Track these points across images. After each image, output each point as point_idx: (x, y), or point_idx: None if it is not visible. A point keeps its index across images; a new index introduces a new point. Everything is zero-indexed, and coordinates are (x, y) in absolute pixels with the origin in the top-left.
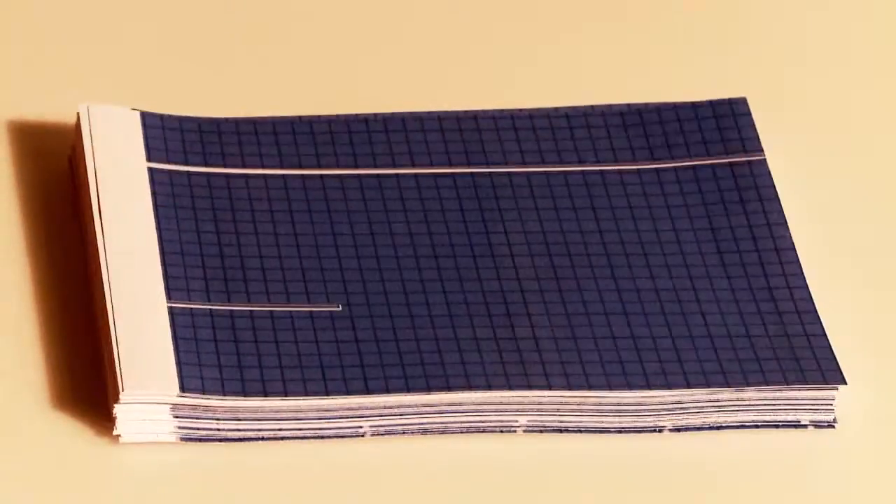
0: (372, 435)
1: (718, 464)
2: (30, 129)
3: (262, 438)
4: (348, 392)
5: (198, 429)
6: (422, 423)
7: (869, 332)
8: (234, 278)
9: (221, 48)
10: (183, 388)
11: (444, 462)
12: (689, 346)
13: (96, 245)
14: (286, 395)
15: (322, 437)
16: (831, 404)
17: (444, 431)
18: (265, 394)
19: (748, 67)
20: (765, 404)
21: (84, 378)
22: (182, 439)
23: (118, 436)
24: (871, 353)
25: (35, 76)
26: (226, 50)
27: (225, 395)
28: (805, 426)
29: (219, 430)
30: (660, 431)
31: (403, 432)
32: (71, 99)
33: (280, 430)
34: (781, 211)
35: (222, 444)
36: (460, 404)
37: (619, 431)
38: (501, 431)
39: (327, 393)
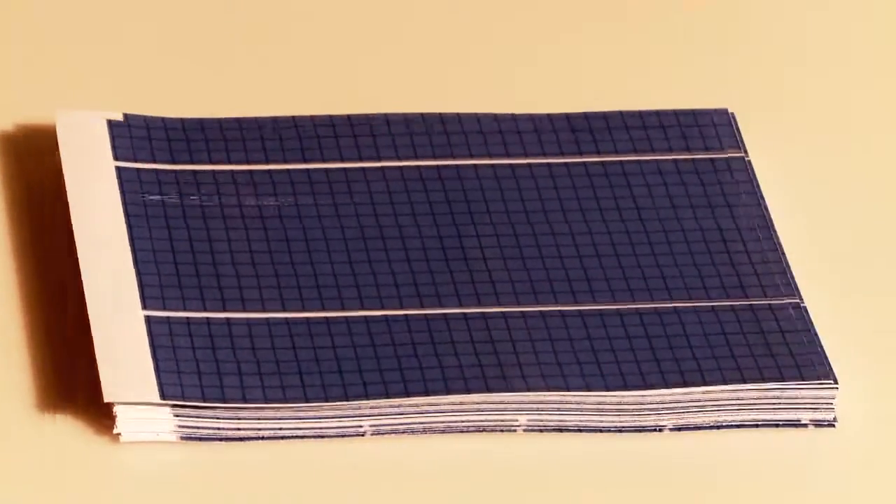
0: (372, 434)
1: (718, 463)
2: (23, 130)
3: (262, 438)
4: (328, 398)
5: (198, 428)
6: (422, 423)
7: (869, 331)
8: (208, 285)
9: (209, 51)
10: (164, 396)
11: (444, 462)
12: (685, 345)
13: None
14: (266, 402)
15: (322, 437)
16: (831, 403)
17: (444, 431)
18: (245, 400)
19: (736, 76)
20: (765, 403)
21: (84, 376)
22: (182, 438)
23: (118, 434)
24: (871, 351)
25: (33, 78)
26: (213, 53)
27: (205, 401)
28: (805, 425)
29: (219, 429)
30: (660, 431)
31: (404, 432)
32: (66, 99)
33: (280, 429)
34: (762, 206)
35: (222, 443)
36: (460, 403)
37: (619, 431)
38: (501, 431)
39: (307, 399)
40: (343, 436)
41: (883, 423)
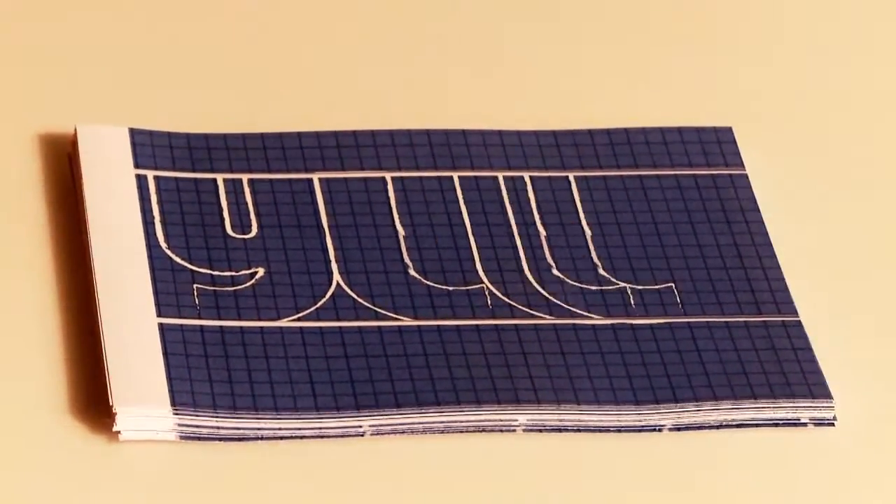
0: (372, 434)
1: (718, 463)
2: (35, 138)
3: (262, 438)
4: (338, 408)
5: (197, 427)
6: (422, 423)
7: (869, 331)
8: (224, 294)
9: (216, 67)
10: (174, 404)
11: (444, 462)
12: (678, 361)
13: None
14: (277, 411)
15: (322, 437)
16: (831, 402)
17: (444, 431)
18: (256, 409)
19: (735, 93)
20: (765, 402)
21: (84, 374)
22: (182, 438)
23: (118, 432)
24: (871, 350)
25: (40, 87)
26: (220, 69)
27: (216, 410)
28: (805, 424)
29: (219, 428)
30: (660, 430)
31: (403, 432)
32: (73, 108)
33: (280, 429)
34: (762, 223)
35: (222, 442)
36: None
37: (619, 431)
38: (501, 431)
39: (317, 409)
40: (343, 436)
41: (883, 422)
